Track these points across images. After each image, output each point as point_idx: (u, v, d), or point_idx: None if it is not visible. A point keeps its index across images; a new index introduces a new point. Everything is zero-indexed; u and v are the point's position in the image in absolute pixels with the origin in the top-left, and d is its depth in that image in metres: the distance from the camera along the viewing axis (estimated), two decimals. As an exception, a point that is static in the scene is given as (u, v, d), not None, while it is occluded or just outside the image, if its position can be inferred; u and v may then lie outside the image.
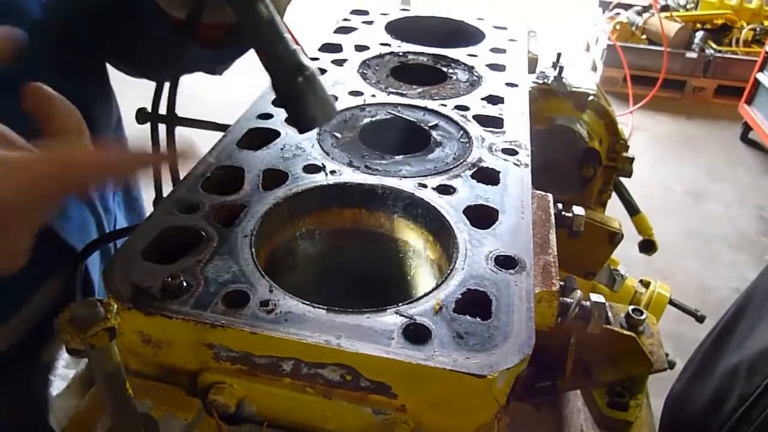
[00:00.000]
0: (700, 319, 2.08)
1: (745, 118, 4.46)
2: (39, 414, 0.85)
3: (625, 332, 1.54)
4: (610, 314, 1.70)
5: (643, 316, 1.68)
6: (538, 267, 0.66)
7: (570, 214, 0.79)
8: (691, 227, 3.84)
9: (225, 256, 0.64)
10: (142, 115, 0.95)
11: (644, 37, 5.10)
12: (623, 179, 1.81)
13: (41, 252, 0.51)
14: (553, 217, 0.73)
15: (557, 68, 1.49)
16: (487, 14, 1.37)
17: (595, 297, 0.65)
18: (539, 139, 1.49)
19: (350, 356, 0.55)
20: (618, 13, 5.34)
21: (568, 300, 0.64)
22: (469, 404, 0.55)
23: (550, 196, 0.76)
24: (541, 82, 1.48)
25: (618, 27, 5.09)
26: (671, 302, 2.03)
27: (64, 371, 0.84)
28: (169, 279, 0.59)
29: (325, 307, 0.58)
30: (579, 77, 1.53)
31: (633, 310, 1.69)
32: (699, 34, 4.95)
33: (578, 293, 0.64)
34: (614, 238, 1.57)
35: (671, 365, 1.98)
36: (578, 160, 1.47)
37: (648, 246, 1.88)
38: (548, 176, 1.54)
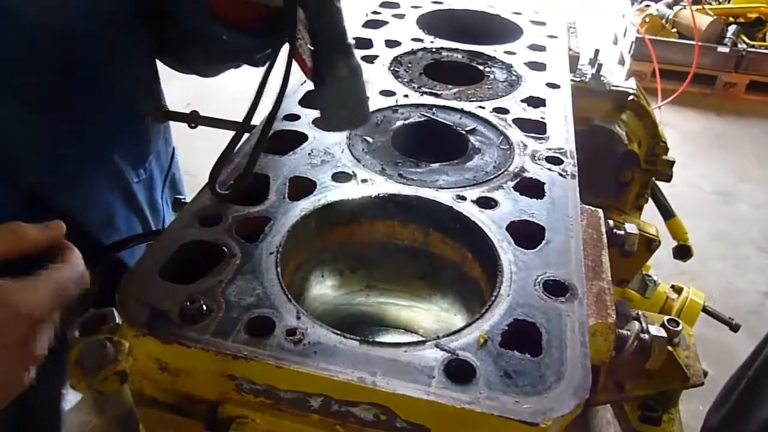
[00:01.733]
0: (735, 328, 1.99)
1: (779, 116, 4.31)
2: (51, 428, 0.82)
3: (661, 346, 1.46)
4: (643, 325, 1.62)
5: (679, 328, 1.60)
6: (592, 294, 0.60)
7: (622, 232, 0.73)
8: (720, 229, 3.72)
9: (248, 275, 0.58)
10: (162, 113, 0.91)
11: (674, 30, 4.94)
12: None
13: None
14: (605, 236, 0.67)
15: (595, 65, 1.41)
16: (513, 7, 1.30)
17: (654, 330, 0.59)
18: (577, 140, 1.42)
19: (387, 396, 0.49)
20: (648, 6, 5.18)
21: (625, 332, 0.58)
22: (518, 452, 0.49)
23: (600, 212, 0.70)
24: (578, 79, 1.41)
25: (647, 20, 4.92)
26: (705, 310, 1.95)
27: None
28: (188, 303, 0.54)
29: (359, 338, 0.53)
30: (617, 75, 1.45)
31: (668, 320, 1.61)
32: (731, 28, 4.78)
33: (635, 325, 0.58)
34: (651, 245, 1.50)
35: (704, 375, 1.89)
36: (616, 164, 1.40)
37: (683, 252, 1.80)
38: (583, 179, 1.47)
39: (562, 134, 0.84)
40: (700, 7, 4.89)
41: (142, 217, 0.89)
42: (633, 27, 4.93)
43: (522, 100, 0.92)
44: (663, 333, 0.59)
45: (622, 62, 5.19)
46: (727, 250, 3.59)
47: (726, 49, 4.73)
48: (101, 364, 0.38)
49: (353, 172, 0.73)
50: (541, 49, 1.10)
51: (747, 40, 4.79)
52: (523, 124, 0.86)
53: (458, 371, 0.51)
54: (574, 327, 0.55)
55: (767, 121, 4.62)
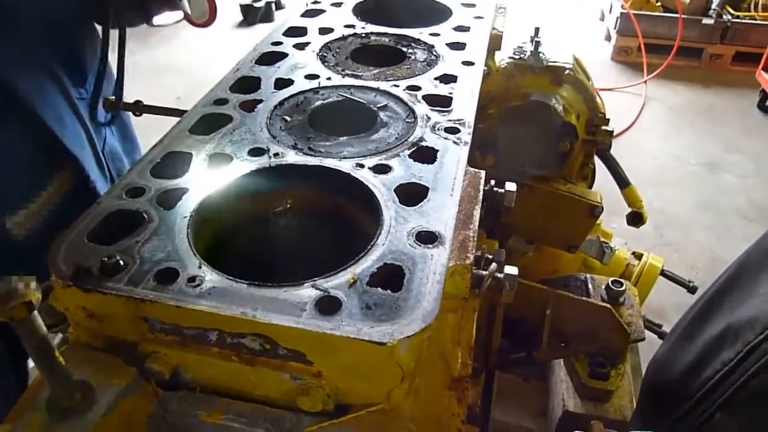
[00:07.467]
0: (692, 290, 2.08)
1: (763, 86, 4.33)
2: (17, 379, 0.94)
3: (600, 304, 1.56)
4: (590, 286, 1.72)
5: (623, 288, 1.69)
6: (457, 241, 0.69)
7: (502, 190, 0.82)
8: (705, 200, 3.77)
9: (163, 236, 0.69)
10: (108, 104, 1.01)
11: (659, 4, 4.97)
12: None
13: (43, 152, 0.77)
14: (481, 193, 0.76)
15: (534, 43, 1.49)
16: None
17: (509, 269, 0.68)
18: (516, 115, 1.51)
19: (265, 326, 0.59)
20: (633, -20, 5.19)
21: (482, 272, 0.67)
22: (376, 370, 0.59)
23: (482, 173, 0.79)
24: (517, 57, 1.49)
25: (632, -6, 4.95)
26: (663, 273, 2.04)
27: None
28: (107, 258, 0.64)
29: (247, 282, 0.63)
30: (557, 51, 1.53)
31: (613, 281, 1.71)
32: (716, 0, 4.80)
33: (493, 266, 0.67)
34: (594, 211, 1.59)
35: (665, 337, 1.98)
36: (555, 135, 1.48)
37: (636, 218, 1.88)
38: (527, 152, 1.56)
39: (465, 107, 0.93)
40: (684, -21, 4.90)
41: (84, 125, 1.04)
42: (618, 2, 4.96)
43: (435, 78, 1.01)
44: (515, 271, 0.68)
45: (608, 38, 5.23)
46: (712, 221, 3.64)
47: (711, 21, 4.75)
48: (10, 297, 0.48)
49: (267, 147, 0.83)
50: (466, 29, 1.19)
51: (732, 11, 4.81)
52: (431, 99, 0.95)
53: (327, 305, 0.60)
54: (435, 268, 0.65)
55: (754, 92, 4.64)
